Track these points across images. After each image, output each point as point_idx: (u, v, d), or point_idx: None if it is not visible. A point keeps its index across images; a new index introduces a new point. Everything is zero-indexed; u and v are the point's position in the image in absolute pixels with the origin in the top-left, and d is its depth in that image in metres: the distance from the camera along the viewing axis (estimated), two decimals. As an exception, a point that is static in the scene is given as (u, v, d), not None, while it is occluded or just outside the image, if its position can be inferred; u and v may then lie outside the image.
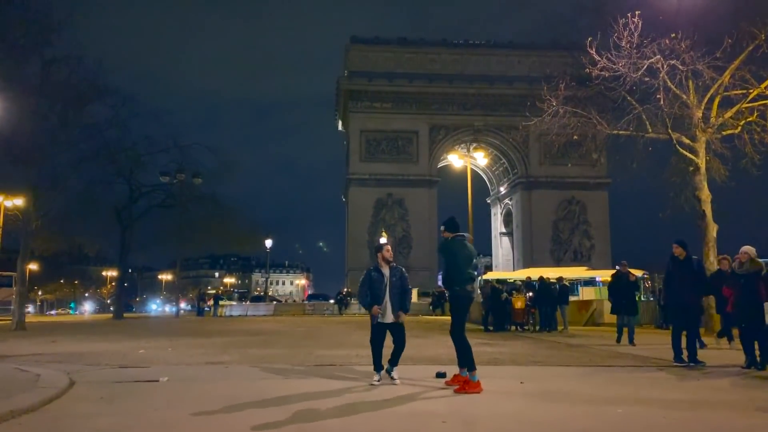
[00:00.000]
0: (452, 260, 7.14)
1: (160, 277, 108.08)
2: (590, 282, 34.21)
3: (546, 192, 61.18)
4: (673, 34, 16.70)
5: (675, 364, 9.37)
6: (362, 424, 5.14)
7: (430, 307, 40.74)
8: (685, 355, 9.49)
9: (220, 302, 50.02)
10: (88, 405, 5.96)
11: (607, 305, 19.22)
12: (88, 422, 5.17)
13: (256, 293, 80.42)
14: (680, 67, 16.98)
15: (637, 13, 16.56)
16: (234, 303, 56.33)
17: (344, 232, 67.15)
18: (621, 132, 19.23)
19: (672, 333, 9.91)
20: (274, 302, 55.36)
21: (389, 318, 7.37)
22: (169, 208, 39.96)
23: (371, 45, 63.19)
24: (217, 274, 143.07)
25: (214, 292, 76.71)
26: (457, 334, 7.03)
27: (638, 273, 28.02)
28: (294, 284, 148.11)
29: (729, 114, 18.09)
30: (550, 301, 20.15)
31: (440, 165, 62.88)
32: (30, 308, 56.30)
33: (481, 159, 39.41)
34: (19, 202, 28.66)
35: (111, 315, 44.75)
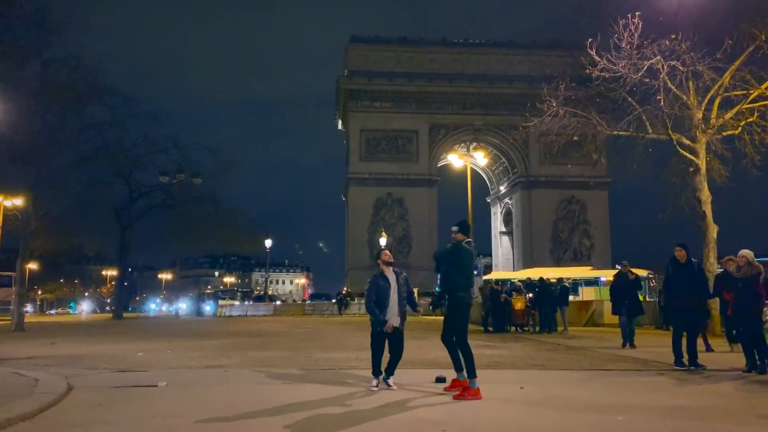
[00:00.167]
0: (458, 265, 7.10)
1: (160, 276, 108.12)
2: (594, 282, 34.16)
3: (546, 191, 61.14)
4: (674, 35, 16.67)
5: (675, 367, 9.34)
6: (361, 433, 5.10)
7: (430, 307, 40.69)
8: (685, 358, 9.47)
9: (220, 302, 50.01)
10: (85, 412, 5.94)
11: (608, 305, 19.22)
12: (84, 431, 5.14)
13: (256, 292, 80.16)
14: (680, 67, 16.95)
15: (637, 13, 16.53)
16: (237, 302, 56.30)
17: (344, 231, 67.14)
18: (621, 133, 19.18)
19: (673, 336, 9.88)
20: (274, 302, 55.28)
21: (395, 323, 7.37)
22: (168, 208, 39.95)
23: (371, 44, 63.11)
24: (216, 274, 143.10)
25: (211, 290, 76.19)
26: (461, 339, 6.98)
27: (643, 273, 28.06)
28: (294, 283, 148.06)
29: (729, 115, 18.05)
30: (549, 302, 20.11)
31: (440, 164, 62.81)
32: (29, 308, 56.13)
33: (480, 159, 39.36)
34: (18, 202, 28.64)
35: (110, 315, 44.75)
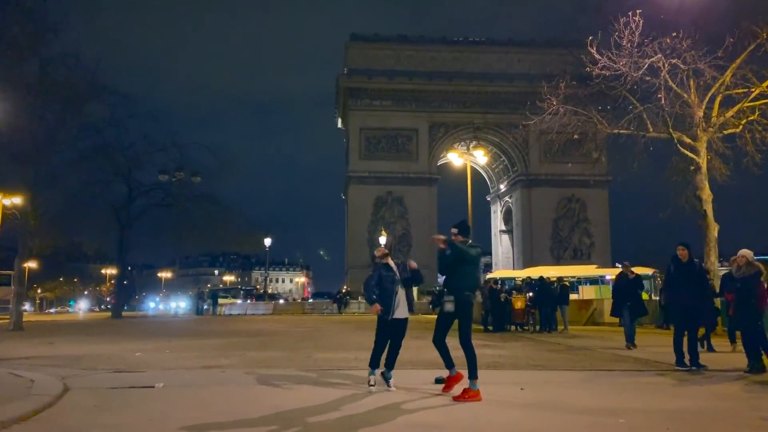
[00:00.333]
0: (464, 265, 7.04)
1: (159, 274, 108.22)
2: (597, 280, 34.08)
3: (546, 190, 61.09)
4: (675, 33, 16.61)
5: (677, 368, 9.28)
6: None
7: (430, 306, 40.64)
8: (687, 358, 9.40)
9: (220, 300, 49.91)
10: (81, 414, 5.86)
11: (608, 304, 19.15)
12: (79, 434, 5.09)
13: (256, 291, 79.83)
14: (681, 66, 16.90)
15: (638, 11, 16.48)
16: (239, 301, 56.15)
17: (344, 230, 67.10)
18: (622, 131, 19.14)
19: (674, 336, 9.82)
20: (274, 301, 55.17)
21: (403, 313, 7.43)
22: (168, 207, 39.82)
23: (371, 42, 63.02)
24: (216, 272, 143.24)
25: (210, 288, 75.65)
26: (465, 340, 6.93)
27: (648, 271, 27.98)
28: (293, 282, 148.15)
29: (730, 113, 18.00)
30: (550, 301, 20.05)
31: (440, 163, 62.74)
32: (28, 306, 56.06)
33: (480, 157, 39.33)
34: (17, 200, 28.57)
35: (109, 313, 44.68)
